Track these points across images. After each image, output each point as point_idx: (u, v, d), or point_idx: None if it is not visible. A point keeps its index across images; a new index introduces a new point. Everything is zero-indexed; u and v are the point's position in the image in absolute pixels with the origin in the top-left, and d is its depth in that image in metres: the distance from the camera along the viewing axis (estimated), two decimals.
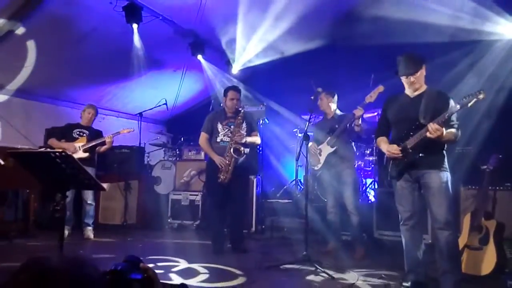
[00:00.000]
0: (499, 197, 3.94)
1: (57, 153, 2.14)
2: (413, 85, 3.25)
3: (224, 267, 3.91)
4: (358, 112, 4.33)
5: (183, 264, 4.02)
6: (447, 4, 5.50)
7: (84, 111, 5.57)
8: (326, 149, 4.71)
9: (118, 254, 4.45)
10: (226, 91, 4.79)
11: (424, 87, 3.28)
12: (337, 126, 4.64)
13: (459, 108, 2.97)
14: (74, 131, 5.40)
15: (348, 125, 4.54)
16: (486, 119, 5.21)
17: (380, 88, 4.13)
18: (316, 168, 4.84)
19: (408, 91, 3.34)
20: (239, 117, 4.62)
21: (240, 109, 4.69)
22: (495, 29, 5.61)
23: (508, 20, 5.50)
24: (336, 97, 4.89)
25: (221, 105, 4.95)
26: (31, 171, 2.41)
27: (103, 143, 5.36)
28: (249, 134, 4.73)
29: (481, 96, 2.88)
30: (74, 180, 2.30)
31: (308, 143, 4.41)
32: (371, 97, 4.20)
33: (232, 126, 4.66)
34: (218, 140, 4.67)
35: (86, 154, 5.17)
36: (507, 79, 5.26)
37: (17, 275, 0.80)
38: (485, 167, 3.78)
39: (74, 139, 5.31)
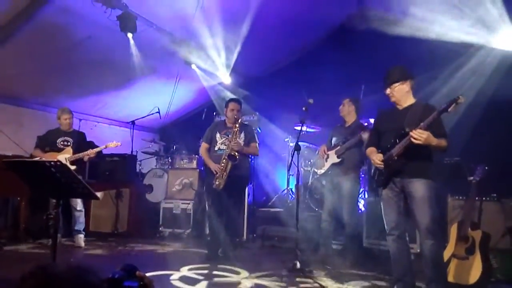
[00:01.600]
0: (485, 207, 4.03)
1: (52, 163, 2.17)
2: (392, 97, 3.33)
3: (221, 273, 3.93)
4: (366, 135, 4.33)
5: (177, 272, 4.03)
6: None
7: (60, 118, 5.45)
8: (333, 158, 4.75)
9: (108, 262, 4.46)
10: (227, 102, 4.97)
11: (412, 100, 3.36)
12: (350, 136, 4.68)
13: (437, 113, 3.02)
14: (58, 141, 5.34)
15: (354, 142, 4.60)
16: (473, 130, 5.32)
17: None
18: (318, 172, 4.91)
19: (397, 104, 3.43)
20: (236, 126, 4.71)
21: (238, 118, 4.78)
22: (488, 40, 5.73)
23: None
24: (357, 105, 4.87)
25: (219, 116, 5.04)
26: (25, 180, 2.44)
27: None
28: (247, 144, 4.83)
29: (460, 100, 2.94)
30: (69, 189, 2.32)
31: (299, 153, 4.46)
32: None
33: (229, 135, 4.76)
34: (216, 148, 4.82)
35: (74, 167, 5.03)
36: (496, 91, 5.36)
37: (23, 281, 0.84)
38: (471, 178, 3.86)
39: (59, 150, 5.28)
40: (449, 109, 2.97)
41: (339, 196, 4.71)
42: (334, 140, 4.88)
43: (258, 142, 5.13)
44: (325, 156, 4.83)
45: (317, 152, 4.76)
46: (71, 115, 5.54)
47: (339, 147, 4.73)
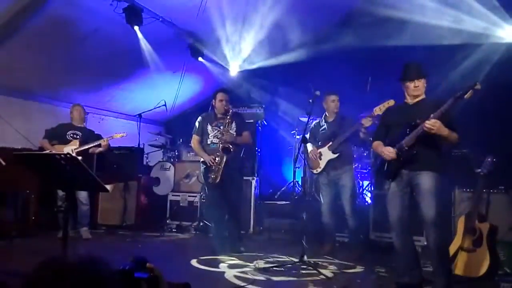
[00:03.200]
0: (492, 200, 4.02)
1: (62, 155, 2.19)
2: (417, 90, 3.33)
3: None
4: (367, 122, 4.38)
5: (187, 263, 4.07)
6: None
7: (72, 112, 5.53)
8: (328, 155, 4.73)
9: (117, 254, 4.50)
10: (215, 93, 4.89)
11: (423, 96, 3.38)
12: (338, 130, 4.67)
13: (453, 99, 3.03)
14: (68, 133, 5.39)
15: (352, 132, 4.57)
16: (481, 122, 5.29)
17: (391, 102, 4.17)
18: (315, 172, 4.88)
19: (408, 98, 3.42)
20: (227, 118, 4.68)
21: (228, 109, 4.72)
22: (495, 32, 5.69)
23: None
24: (336, 97, 4.86)
25: (210, 108, 5.01)
26: (35, 173, 2.46)
27: (98, 145, 5.35)
28: (239, 134, 4.79)
29: (477, 87, 2.96)
30: (79, 181, 2.35)
31: (306, 146, 4.46)
32: (380, 109, 4.25)
33: (221, 127, 4.73)
34: (209, 142, 4.76)
35: (80, 158, 5.10)
36: (504, 83, 5.32)
37: (37, 272, 0.85)
38: (479, 170, 3.85)
39: (67, 141, 5.32)
40: (466, 96, 2.98)
41: (337, 190, 4.72)
42: (320, 137, 4.85)
43: (249, 131, 5.03)
44: (318, 155, 4.80)
45: (302, 153, 4.70)
46: (84, 110, 5.67)
47: (331, 143, 4.70)
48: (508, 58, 5.57)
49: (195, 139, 4.86)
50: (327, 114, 4.92)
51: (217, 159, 4.57)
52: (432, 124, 3.02)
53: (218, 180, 4.55)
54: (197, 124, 4.89)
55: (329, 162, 4.72)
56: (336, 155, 4.67)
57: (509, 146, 4.98)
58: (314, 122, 5.14)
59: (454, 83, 5.43)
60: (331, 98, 4.81)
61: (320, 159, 4.79)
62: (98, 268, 0.91)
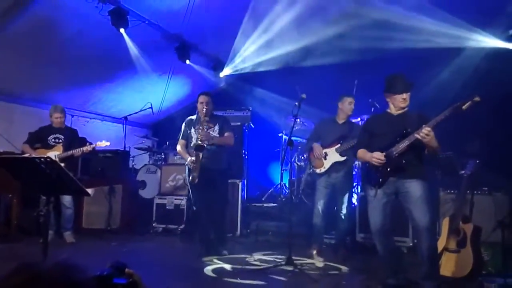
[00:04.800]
0: (476, 201, 4.06)
1: (42, 159, 2.15)
2: (405, 102, 3.36)
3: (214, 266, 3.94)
4: None
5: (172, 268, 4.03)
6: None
7: (51, 115, 5.39)
8: (334, 156, 4.64)
9: (101, 258, 4.44)
10: (198, 96, 4.87)
11: (406, 108, 3.42)
12: (348, 134, 4.60)
13: (452, 109, 3.06)
14: (49, 138, 5.29)
15: None
16: (464, 124, 5.36)
17: None
18: (318, 171, 4.75)
19: (392, 109, 3.44)
20: (205, 118, 4.65)
21: (208, 111, 4.68)
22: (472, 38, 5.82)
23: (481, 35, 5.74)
24: (353, 100, 4.77)
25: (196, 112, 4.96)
26: (15, 176, 2.42)
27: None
28: (222, 135, 4.75)
29: (476, 99, 3.00)
30: (59, 185, 2.31)
31: (291, 148, 4.45)
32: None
33: (205, 130, 4.70)
34: (192, 144, 4.72)
35: (63, 164, 4.98)
36: (486, 87, 5.41)
37: (8, 279, 0.83)
38: (463, 172, 3.90)
39: (49, 146, 5.23)
40: (464, 107, 3.01)
41: (335, 193, 4.70)
42: (327, 136, 4.78)
43: (232, 132, 4.94)
44: (323, 154, 4.73)
45: (305, 150, 4.59)
46: (63, 114, 5.47)
47: (339, 145, 4.63)
48: (490, 63, 5.69)
49: (180, 143, 4.86)
50: (339, 115, 4.80)
51: (193, 158, 4.54)
52: (428, 132, 3.06)
53: (196, 180, 4.50)
54: (182, 128, 4.89)
55: (334, 164, 4.65)
56: (343, 158, 4.61)
57: (493, 148, 5.06)
58: (320, 121, 5.05)
59: (437, 88, 5.54)
60: (348, 100, 4.72)
61: (325, 159, 4.71)
62: (73, 274, 0.89)
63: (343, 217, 4.69)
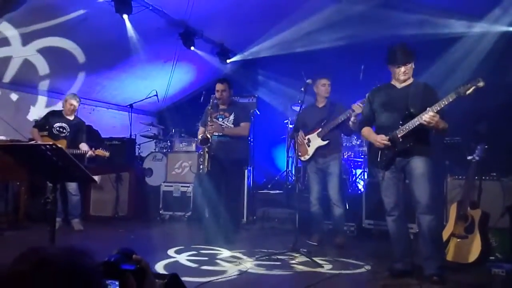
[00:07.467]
0: (484, 187, 4.02)
1: (47, 146, 2.15)
2: (406, 74, 3.29)
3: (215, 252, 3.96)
4: (358, 109, 4.14)
5: (176, 255, 4.06)
6: None
7: (66, 101, 5.42)
8: (317, 141, 4.63)
9: (109, 245, 4.47)
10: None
11: (411, 79, 3.35)
12: (328, 117, 4.61)
13: (455, 96, 3.00)
14: (55, 125, 5.31)
15: (342, 119, 4.45)
16: (473, 110, 5.30)
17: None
18: (303, 159, 4.74)
19: (396, 82, 3.39)
20: (222, 107, 4.62)
21: (223, 99, 4.68)
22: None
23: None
24: (327, 82, 4.72)
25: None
26: (22, 164, 2.42)
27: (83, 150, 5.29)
28: (237, 125, 4.72)
29: (480, 84, 2.93)
30: (65, 172, 2.31)
31: (297, 135, 4.41)
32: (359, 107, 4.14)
33: (220, 119, 4.69)
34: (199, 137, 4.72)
35: None
36: (493, 72, 5.34)
37: (16, 264, 0.82)
38: (471, 157, 3.86)
39: (54, 136, 5.24)
40: (467, 92, 2.94)
41: (325, 175, 4.65)
42: (309, 122, 4.73)
43: (249, 121, 4.90)
44: (306, 140, 4.70)
45: (289, 139, 4.55)
46: (78, 104, 5.50)
47: (321, 129, 4.60)
48: (498, 47, 5.59)
49: (200, 130, 4.82)
50: (317, 99, 4.79)
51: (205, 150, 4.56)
52: (431, 118, 2.99)
53: (206, 170, 4.51)
54: (203, 115, 4.86)
55: (318, 149, 4.62)
56: (325, 142, 4.57)
57: (501, 133, 4.99)
58: (303, 108, 5.06)
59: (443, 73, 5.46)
60: (321, 82, 4.66)
61: (309, 145, 4.68)
62: (80, 260, 0.88)
63: (334, 202, 4.59)
